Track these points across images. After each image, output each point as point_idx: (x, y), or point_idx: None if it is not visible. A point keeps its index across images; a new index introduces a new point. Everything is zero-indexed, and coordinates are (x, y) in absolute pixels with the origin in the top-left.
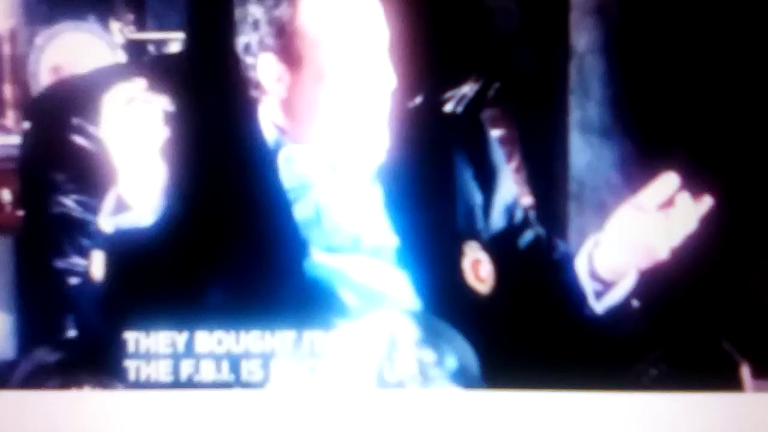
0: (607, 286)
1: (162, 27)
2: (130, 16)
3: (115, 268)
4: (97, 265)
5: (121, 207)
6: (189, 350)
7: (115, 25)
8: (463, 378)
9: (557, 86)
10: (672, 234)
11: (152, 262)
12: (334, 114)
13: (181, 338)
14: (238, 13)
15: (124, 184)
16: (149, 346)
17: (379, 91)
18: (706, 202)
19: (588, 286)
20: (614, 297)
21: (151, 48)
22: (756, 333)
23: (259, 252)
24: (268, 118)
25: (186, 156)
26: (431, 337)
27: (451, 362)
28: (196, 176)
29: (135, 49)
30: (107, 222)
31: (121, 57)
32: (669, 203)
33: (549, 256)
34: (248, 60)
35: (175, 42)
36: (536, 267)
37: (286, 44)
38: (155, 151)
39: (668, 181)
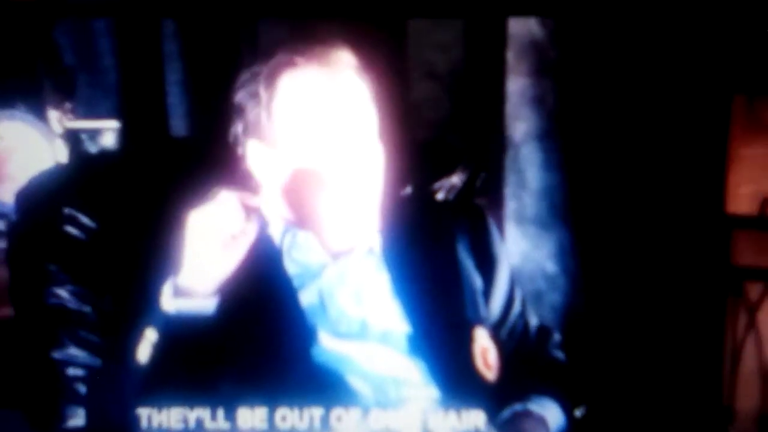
0: None
1: (92, 115)
2: (68, 105)
3: (168, 351)
4: (146, 347)
5: (179, 292)
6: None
7: (53, 114)
8: None
9: (493, 177)
10: None
11: (201, 350)
12: (327, 199)
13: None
14: (230, 104)
15: (188, 272)
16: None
17: (370, 170)
18: None
19: None
20: None
21: (84, 137)
22: None
23: (267, 340)
24: (270, 208)
25: None
26: None
27: None
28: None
29: (69, 138)
30: (171, 303)
31: (60, 146)
32: None
33: (546, 345)
34: (239, 149)
35: (109, 131)
36: (535, 355)
37: (265, 128)
38: (231, 246)
39: None
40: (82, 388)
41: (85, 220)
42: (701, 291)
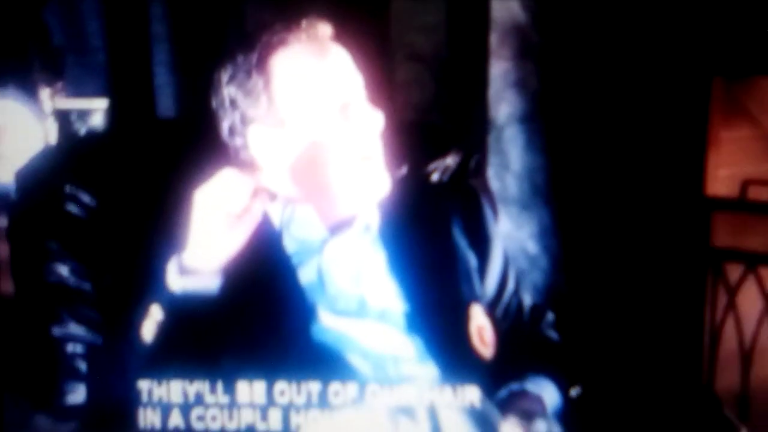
0: None
1: (81, 94)
2: (59, 84)
3: (172, 328)
4: (151, 324)
5: (185, 271)
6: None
7: (44, 93)
8: None
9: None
10: None
11: (205, 328)
12: (331, 168)
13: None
14: (214, 101)
15: (193, 251)
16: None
17: (368, 133)
18: None
19: None
20: None
21: (73, 116)
22: None
23: (268, 317)
24: (269, 187)
25: None
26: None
27: None
28: None
29: (59, 117)
30: (177, 281)
31: (52, 125)
32: None
33: (540, 324)
34: (237, 141)
35: (98, 111)
36: (529, 334)
37: (268, 111)
38: (237, 225)
39: None
40: (81, 365)
41: (86, 198)
42: (681, 272)
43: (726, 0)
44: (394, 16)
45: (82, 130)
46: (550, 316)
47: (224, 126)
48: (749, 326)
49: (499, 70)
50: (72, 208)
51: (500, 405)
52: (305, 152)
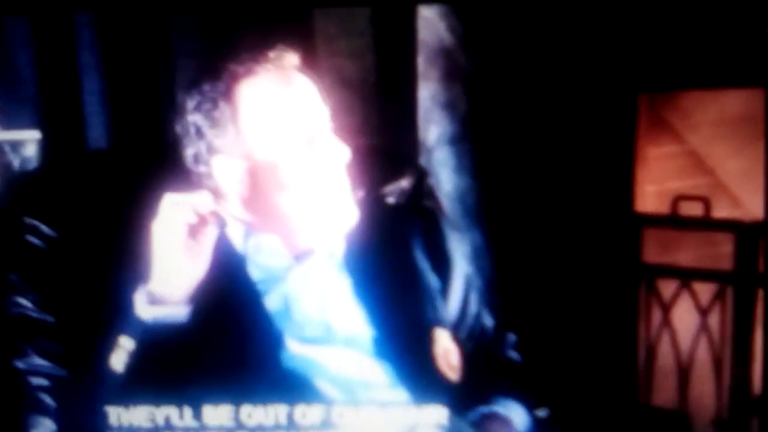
0: None
1: (12, 126)
2: None
3: (143, 358)
4: (121, 354)
5: (154, 300)
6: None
7: None
8: None
9: None
10: None
11: (175, 356)
12: (296, 199)
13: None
14: (179, 127)
15: (159, 280)
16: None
17: (335, 164)
18: None
19: None
20: None
21: (7, 148)
22: None
23: (236, 346)
24: (232, 215)
25: None
26: None
27: None
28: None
29: None
30: (146, 311)
31: None
32: None
33: (502, 346)
34: (201, 168)
35: (30, 142)
36: (493, 356)
37: (233, 142)
38: (196, 250)
39: None
40: (46, 398)
41: (45, 229)
42: (613, 289)
43: (646, 17)
44: (319, 41)
45: (16, 162)
46: (511, 337)
47: (188, 153)
48: (685, 342)
49: (428, 92)
50: (32, 239)
51: (470, 428)
52: (271, 182)
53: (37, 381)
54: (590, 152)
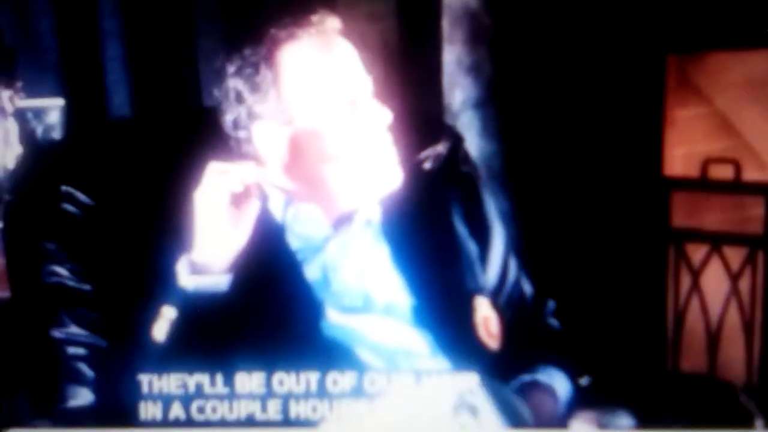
0: None
1: (36, 93)
2: (19, 84)
3: (185, 328)
4: (163, 324)
5: (196, 269)
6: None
7: (5, 93)
8: None
9: None
10: None
11: (217, 325)
12: (339, 165)
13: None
14: (217, 92)
15: (201, 249)
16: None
17: (377, 128)
18: None
19: None
20: None
21: (30, 116)
22: None
23: (277, 316)
24: (272, 183)
25: None
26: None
27: None
28: None
29: (17, 117)
30: (189, 280)
31: (12, 125)
32: None
33: (543, 313)
34: (240, 134)
35: (54, 110)
36: (534, 323)
37: (275, 107)
38: (239, 220)
39: None
40: (83, 368)
41: (83, 197)
42: (643, 254)
43: None
44: (341, 4)
45: (39, 130)
46: (551, 304)
47: (228, 119)
48: (714, 308)
49: (452, 56)
50: (69, 207)
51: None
52: (312, 148)
53: (75, 350)
54: (618, 115)
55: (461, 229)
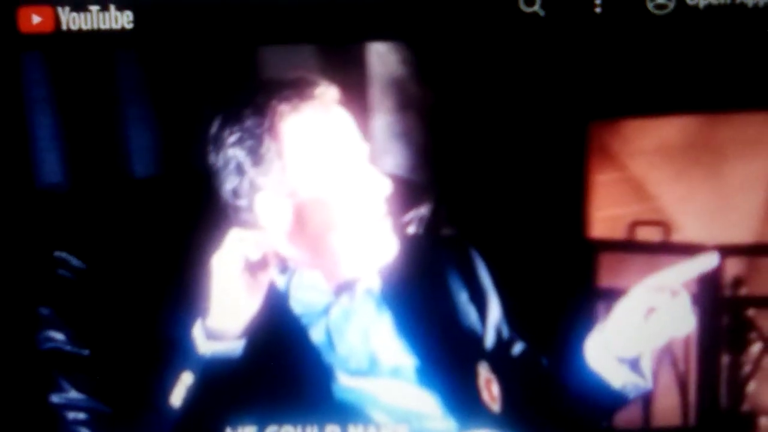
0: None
1: None
2: None
3: (202, 392)
4: (181, 390)
5: (211, 335)
6: None
7: None
8: None
9: None
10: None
11: (231, 391)
12: (342, 234)
13: None
14: (217, 160)
15: (218, 315)
16: None
17: (378, 197)
18: None
19: (615, 371)
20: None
21: None
22: None
23: (288, 378)
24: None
25: None
26: None
27: None
28: None
29: None
30: (206, 346)
31: None
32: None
33: (540, 367)
34: (240, 203)
35: None
36: (534, 379)
37: (279, 179)
38: (255, 287)
39: (709, 260)
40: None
41: (76, 262)
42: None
43: (592, 48)
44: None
45: None
46: (544, 361)
47: (227, 188)
48: None
49: (382, 122)
50: (63, 272)
51: None
52: (313, 218)
53: (75, 416)
54: (542, 180)
55: (460, 293)
